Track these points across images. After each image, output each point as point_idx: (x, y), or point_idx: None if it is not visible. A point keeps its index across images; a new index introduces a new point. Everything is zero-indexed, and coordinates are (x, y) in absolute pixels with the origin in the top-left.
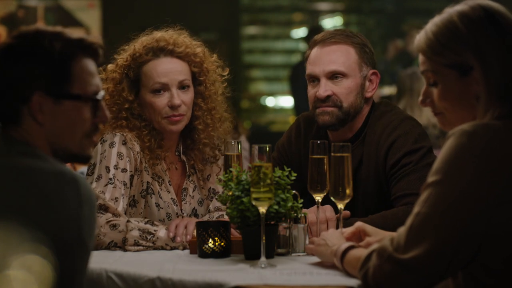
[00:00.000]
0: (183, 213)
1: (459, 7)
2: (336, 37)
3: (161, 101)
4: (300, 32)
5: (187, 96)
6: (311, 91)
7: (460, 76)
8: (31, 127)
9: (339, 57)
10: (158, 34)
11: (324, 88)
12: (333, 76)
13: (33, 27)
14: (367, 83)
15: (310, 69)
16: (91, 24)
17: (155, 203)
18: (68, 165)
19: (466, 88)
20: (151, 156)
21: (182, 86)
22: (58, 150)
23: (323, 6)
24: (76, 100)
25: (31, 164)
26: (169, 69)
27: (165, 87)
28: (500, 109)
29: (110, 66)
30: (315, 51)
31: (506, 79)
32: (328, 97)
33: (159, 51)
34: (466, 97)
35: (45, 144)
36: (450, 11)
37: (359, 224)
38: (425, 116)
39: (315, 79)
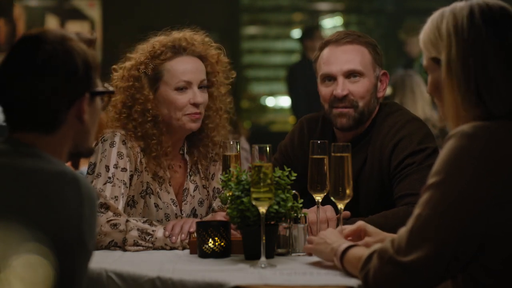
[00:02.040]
0: (182, 214)
1: (451, 6)
2: (349, 37)
3: (184, 98)
4: (300, 32)
5: (205, 96)
6: (324, 90)
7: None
8: (68, 131)
9: (355, 57)
10: (178, 34)
11: (342, 87)
12: (350, 75)
13: (53, 30)
14: (379, 84)
15: (325, 68)
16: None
17: (154, 203)
18: (68, 165)
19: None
20: (155, 163)
21: (201, 86)
22: (78, 148)
23: (323, 6)
24: (102, 96)
25: (32, 165)
26: (192, 68)
27: (188, 85)
28: (476, 109)
29: (128, 64)
30: (328, 51)
31: (489, 79)
32: (345, 96)
33: (182, 49)
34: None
35: (64, 147)
36: (445, 8)
37: (361, 223)
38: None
39: (331, 78)
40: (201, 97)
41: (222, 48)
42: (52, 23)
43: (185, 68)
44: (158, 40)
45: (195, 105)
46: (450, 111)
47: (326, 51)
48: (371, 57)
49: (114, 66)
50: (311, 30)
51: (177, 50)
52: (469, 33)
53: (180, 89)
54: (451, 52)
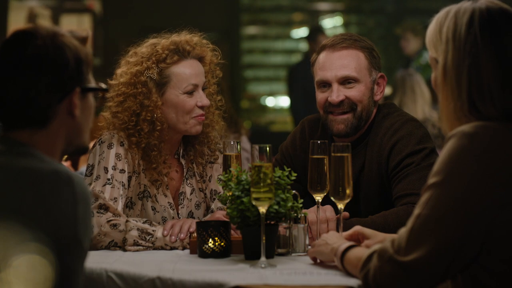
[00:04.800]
0: (179, 217)
1: (457, 6)
2: (345, 41)
3: (192, 101)
4: (301, 32)
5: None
6: (320, 95)
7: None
8: (59, 126)
9: (350, 62)
10: (178, 37)
11: (337, 93)
12: (345, 81)
13: (44, 26)
14: (376, 87)
15: (320, 74)
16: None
17: (151, 206)
18: (68, 165)
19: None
20: (155, 173)
21: (204, 87)
22: (71, 145)
23: (323, 6)
24: (94, 92)
25: (28, 164)
26: (197, 71)
27: (195, 88)
28: (469, 115)
29: (133, 69)
30: (324, 56)
31: (481, 83)
32: (341, 102)
33: (186, 53)
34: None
35: (57, 144)
36: (452, 7)
37: (357, 227)
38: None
39: (326, 84)
40: (206, 99)
41: (217, 49)
42: (48, 16)
43: (192, 71)
44: (159, 44)
45: (202, 107)
46: (444, 115)
47: (322, 56)
48: (367, 62)
49: (117, 71)
50: (318, 29)
51: (182, 53)
52: (466, 42)
53: (189, 93)
54: (447, 57)
